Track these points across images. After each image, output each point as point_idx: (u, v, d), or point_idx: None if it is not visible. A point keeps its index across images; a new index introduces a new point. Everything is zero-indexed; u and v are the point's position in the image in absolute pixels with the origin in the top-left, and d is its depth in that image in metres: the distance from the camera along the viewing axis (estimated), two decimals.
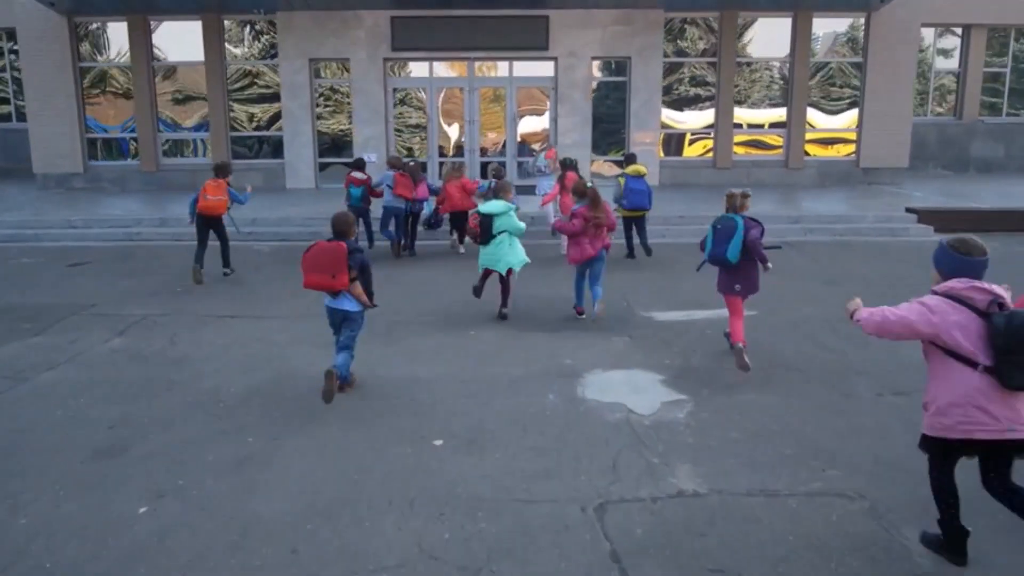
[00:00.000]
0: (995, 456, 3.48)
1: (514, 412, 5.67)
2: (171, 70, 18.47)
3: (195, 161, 18.57)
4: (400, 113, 18.44)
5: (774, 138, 18.56)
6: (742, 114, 18.53)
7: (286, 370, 6.63)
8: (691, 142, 18.73)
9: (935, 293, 3.48)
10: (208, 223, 10.01)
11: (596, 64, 17.97)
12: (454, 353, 7.06)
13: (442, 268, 10.56)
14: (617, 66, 18.16)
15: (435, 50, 17.60)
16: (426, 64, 18.14)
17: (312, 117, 17.88)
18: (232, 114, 18.37)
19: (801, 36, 17.77)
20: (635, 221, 11.23)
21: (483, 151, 18.28)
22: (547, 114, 18.11)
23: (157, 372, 6.61)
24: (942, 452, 3.58)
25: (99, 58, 18.40)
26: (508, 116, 18.04)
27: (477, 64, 17.91)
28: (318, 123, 18.10)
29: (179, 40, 18.19)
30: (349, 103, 17.93)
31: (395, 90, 18.12)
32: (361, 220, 10.24)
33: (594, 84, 17.97)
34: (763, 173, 18.22)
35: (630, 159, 11.71)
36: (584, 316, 8.11)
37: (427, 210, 12.25)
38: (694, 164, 18.39)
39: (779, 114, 18.52)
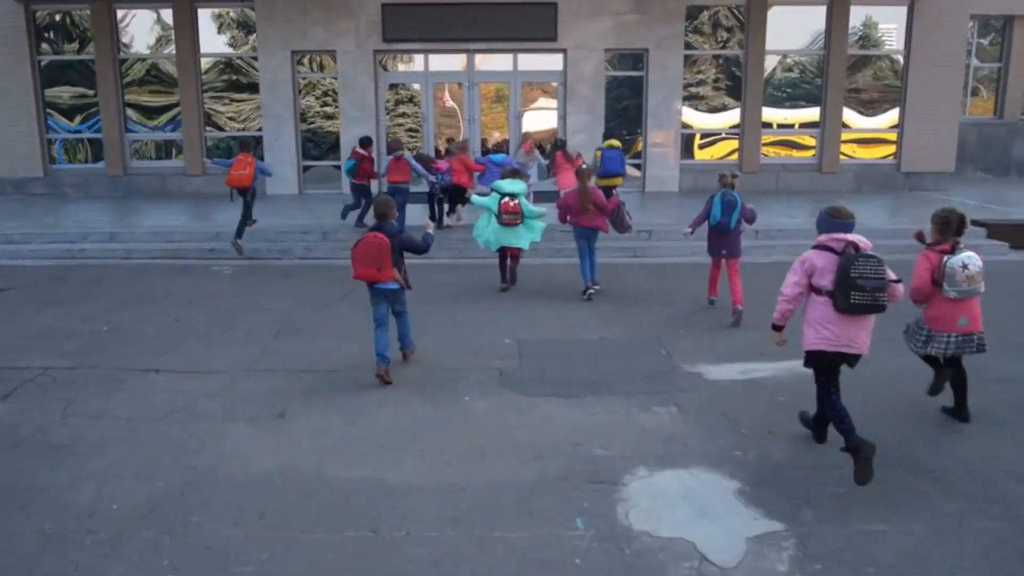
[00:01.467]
0: (833, 366, 4.45)
1: (524, 562, 3.69)
2: (140, 64, 16.48)
3: (165, 164, 16.57)
4: (393, 110, 16.44)
5: (805, 139, 16.56)
6: (771, 113, 16.50)
7: (207, 469, 4.61)
8: (707, 144, 16.71)
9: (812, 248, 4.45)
10: (240, 193, 10.62)
11: (609, 57, 15.95)
12: (438, 437, 5.04)
13: (429, 285, 8.59)
14: (632, 59, 16.16)
15: (431, 41, 15.57)
16: (421, 57, 16.15)
17: (295, 115, 15.87)
18: (208, 112, 16.39)
19: (837, 27, 15.73)
20: (611, 191, 10.09)
21: (484, 152, 16.26)
22: (555, 112, 16.10)
23: (22, 470, 4.61)
24: (814, 365, 4.52)
25: (61, 51, 16.39)
26: (511, 114, 16.04)
27: (478, 57, 15.88)
28: (312, 123, 16.16)
29: (148, 31, 16.22)
30: (335, 99, 15.96)
31: (389, 86, 16.11)
32: (362, 199, 11.44)
33: (606, 79, 15.95)
34: (794, 178, 16.19)
35: (607, 136, 12.31)
36: (590, 291, 8.43)
37: (444, 181, 11.31)
38: (718, 168, 16.34)
39: (811, 114, 16.51)
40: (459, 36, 15.41)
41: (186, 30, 15.58)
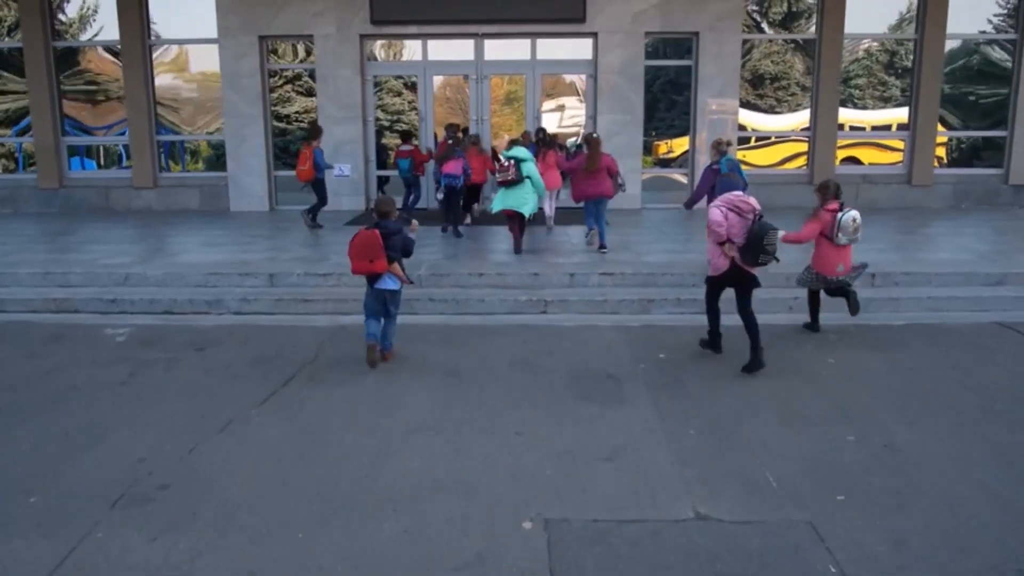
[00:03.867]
0: (740, 286, 5.54)
1: None
2: (78, 54, 13.40)
3: (110, 175, 13.49)
4: (383, 107, 13.25)
5: (893, 143, 13.24)
6: (845, 114, 13.19)
7: None
8: (755, 148, 13.42)
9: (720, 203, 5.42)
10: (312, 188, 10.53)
11: (649, 42, 12.69)
12: None
13: (409, 364, 5.38)
14: (680, 45, 12.91)
15: (430, 23, 12.39)
16: (418, 42, 12.95)
17: (265, 114, 12.73)
18: (162, 113, 13.29)
19: (933, 8, 12.39)
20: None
21: (494, 158, 13.04)
22: (581, 110, 12.85)
23: None
24: (713, 284, 5.71)
25: None
26: (529, 113, 12.83)
27: (488, 43, 12.67)
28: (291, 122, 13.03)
29: (90, 14, 13.14)
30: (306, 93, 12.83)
31: (376, 79, 12.91)
32: (411, 190, 11.30)
33: (646, 70, 12.69)
34: (877, 192, 12.86)
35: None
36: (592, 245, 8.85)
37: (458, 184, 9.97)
38: (780, 179, 13.05)
39: (898, 115, 13.19)
40: (465, 17, 12.21)
41: (131, 10, 12.46)
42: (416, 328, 6.77)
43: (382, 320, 5.86)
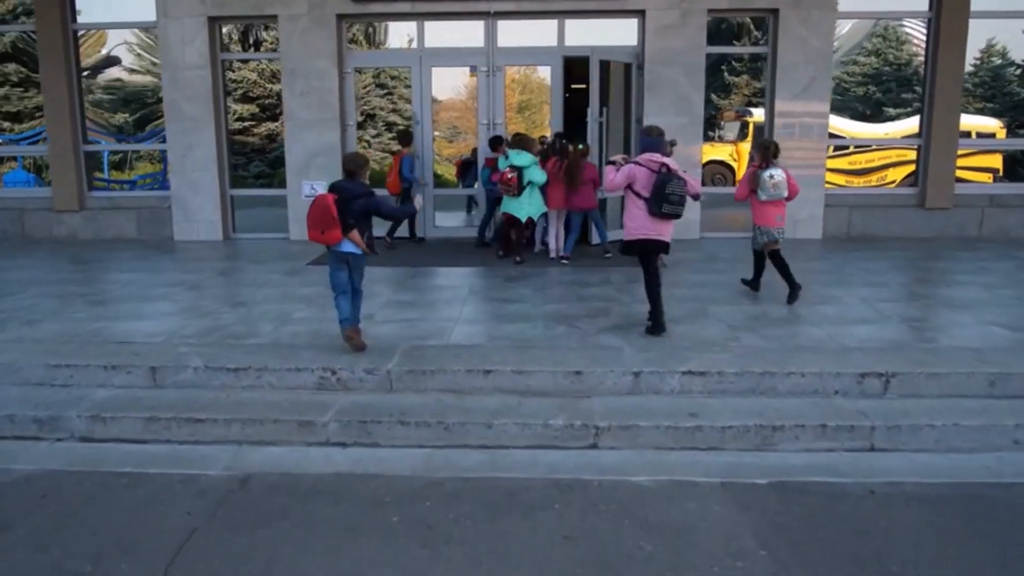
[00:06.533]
0: (651, 252, 5.44)
1: None
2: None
3: (27, 195, 10.60)
4: (368, 109, 10.21)
5: (984, 159, 10.10)
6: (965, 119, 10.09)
7: None
8: (833, 156, 10.30)
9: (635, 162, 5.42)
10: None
11: (711, 22, 9.63)
12: None
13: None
14: (749, 26, 9.83)
15: (427, 0, 9.45)
16: (412, 24, 9.98)
17: (219, 118, 9.80)
18: (93, 116, 10.41)
19: None
20: None
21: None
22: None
23: None
24: (635, 250, 5.48)
25: None
26: (553, 115, 9.79)
27: (503, 24, 9.67)
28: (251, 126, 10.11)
29: None
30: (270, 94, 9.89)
31: (359, 71, 9.91)
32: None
33: (707, 59, 9.64)
34: (1013, 218, 9.70)
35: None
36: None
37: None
38: (883, 201, 9.92)
39: (985, 122, 10.06)
40: None
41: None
42: (370, 486, 3.75)
43: (350, 296, 5.09)
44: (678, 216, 5.29)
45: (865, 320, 5.77)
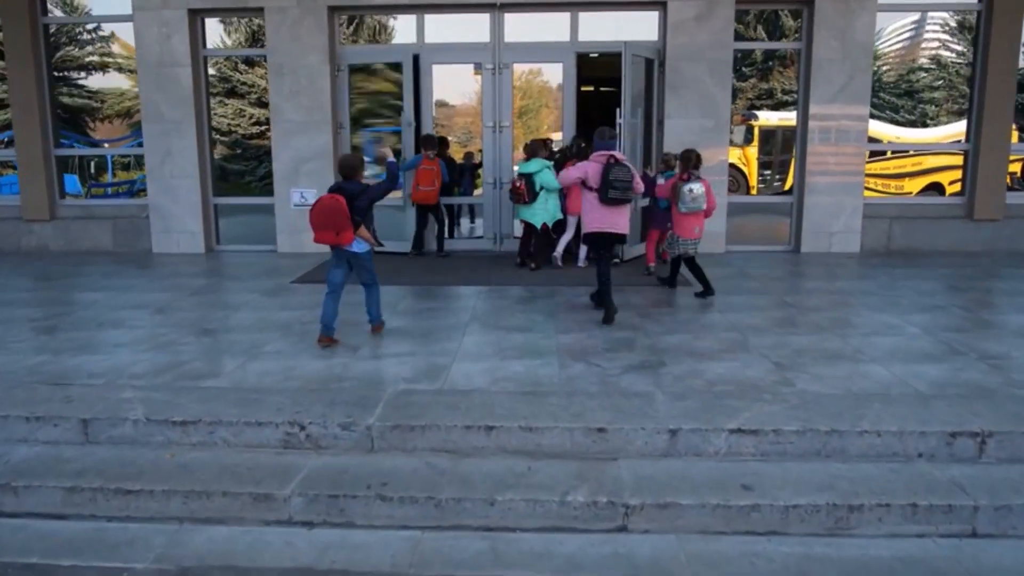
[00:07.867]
0: (606, 244, 5.87)
1: None
2: None
3: None
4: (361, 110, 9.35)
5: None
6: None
7: None
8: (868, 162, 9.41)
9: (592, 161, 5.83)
10: (426, 209, 8.51)
11: (738, 15, 8.75)
12: None
13: None
14: (778, 20, 8.98)
15: None
16: (411, 18, 9.14)
17: (201, 118, 8.97)
18: (65, 117, 9.61)
19: None
20: None
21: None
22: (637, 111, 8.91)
23: None
24: (592, 242, 5.94)
25: None
26: (565, 116, 8.93)
27: (510, 18, 8.82)
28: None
29: None
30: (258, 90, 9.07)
31: (351, 68, 9.06)
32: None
33: (734, 55, 8.77)
34: None
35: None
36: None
37: None
38: (927, 212, 9.01)
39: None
40: None
41: None
42: None
43: (338, 299, 5.08)
44: (627, 201, 5.68)
45: (933, 357, 4.88)
